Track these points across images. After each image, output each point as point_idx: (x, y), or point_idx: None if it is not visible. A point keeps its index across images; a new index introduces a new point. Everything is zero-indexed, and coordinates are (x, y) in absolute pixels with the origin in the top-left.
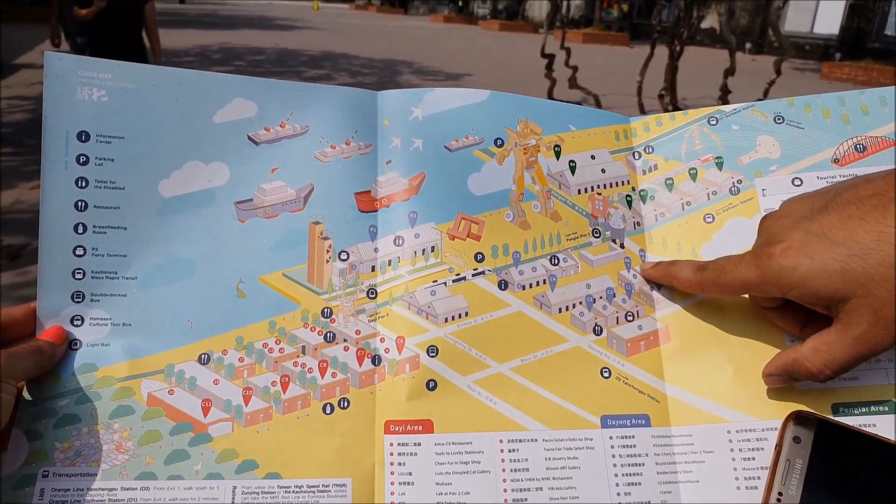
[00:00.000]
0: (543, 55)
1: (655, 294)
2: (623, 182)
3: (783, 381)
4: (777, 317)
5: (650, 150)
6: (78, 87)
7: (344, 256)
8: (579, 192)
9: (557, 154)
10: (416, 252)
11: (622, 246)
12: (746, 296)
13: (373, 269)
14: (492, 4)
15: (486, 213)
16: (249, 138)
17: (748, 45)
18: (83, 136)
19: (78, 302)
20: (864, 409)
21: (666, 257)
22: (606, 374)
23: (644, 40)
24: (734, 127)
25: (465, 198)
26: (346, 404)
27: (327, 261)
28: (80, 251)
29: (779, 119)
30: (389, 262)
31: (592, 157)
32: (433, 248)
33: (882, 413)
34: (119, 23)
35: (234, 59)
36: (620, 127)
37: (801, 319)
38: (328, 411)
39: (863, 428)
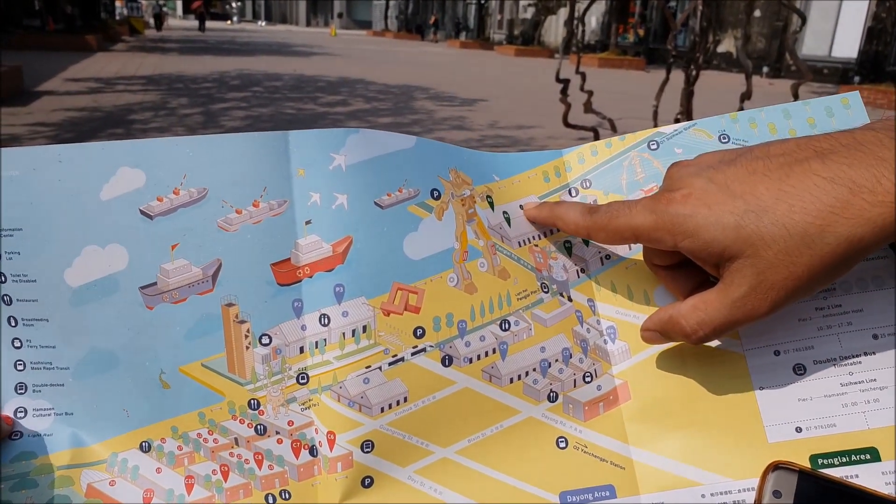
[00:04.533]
0: (558, 80)
1: (610, 347)
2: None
3: (659, 339)
4: (668, 278)
5: (587, 184)
6: None
7: (266, 340)
8: (519, 244)
9: (491, 205)
10: (343, 334)
11: (570, 299)
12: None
13: (301, 350)
14: (508, 30)
15: (427, 279)
16: (142, 212)
17: (765, 69)
18: None
19: (21, 393)
20: (844, 459)
21: (617, 306)
22: (563, 444)
23: (660, 65)
24: (677, 150)
25: (401, 264)
26: (287, 496)
27: (247, 347)
28: (17, 343)
29: (724, 138)
30: (316, 343)
31: (521, 206)
32: (364, 328)
33: (864, 462)
34: None
35: (252, 85)
36: (551, 165)
37: (692, 284)
38: (270, 501)
39: (846, 479)
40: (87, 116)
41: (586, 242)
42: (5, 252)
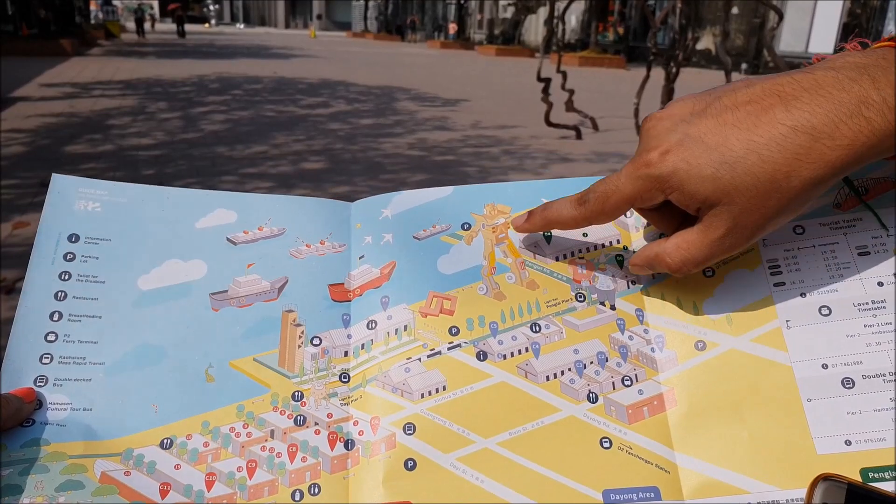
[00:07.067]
0: (540, 79)
1: (658, 355)
2: (613, 242)
3: (646, 272)
4: (654, 217)
5: None
6: (76, 200)
7: (316, 342)
8: (557, 258)
9: None
10: (388, 333)
11: (613, 308)
12: (754, 346)
13: (345, 353)
14: (488, 30)
15: (458, 288)
16: (228, 239)
17: (744, 66)
18: (73, 238)
19: (40, 386)
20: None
21: (667, 317)
22: (607, 445)
23: (640, 63)
24: None
25: (435, 278)
26: (316, 490)
27: (299, 346)
28: (51, 337)
29: None
30: (362, 345)
31: None
32: (406, 327)
33: None
34: None
35: (232, 88)
36: None
37: (676, 220)
38: (297, 498)
39: None
40: (63, 122)
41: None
42: (82, 256)
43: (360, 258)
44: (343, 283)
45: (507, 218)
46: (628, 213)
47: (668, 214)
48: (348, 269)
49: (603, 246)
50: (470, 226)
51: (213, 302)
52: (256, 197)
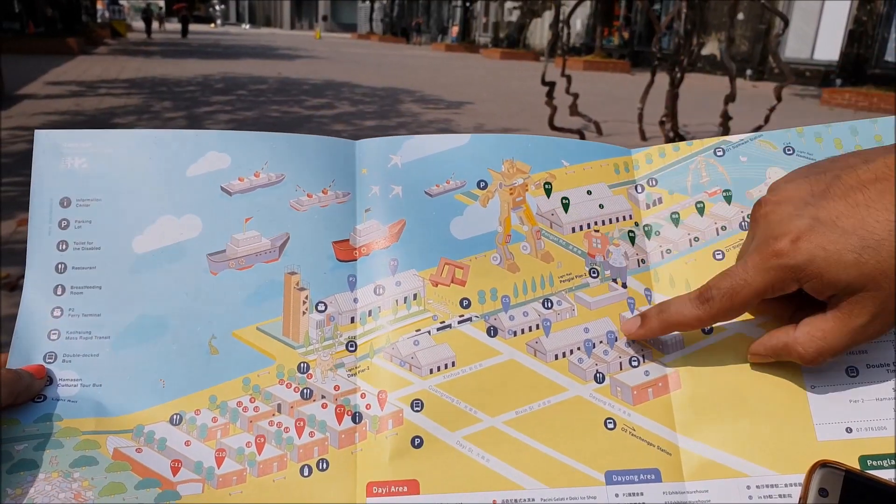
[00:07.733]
0: (544, 83)
1: (664, 337)
2: (625, 217)
3: (769, 360)
4: (766, 305)
5: (653, 182)
6: (62, 158)
7: (322, 308)
8: (573, 230)
9: (548, 192)
10: (397, 301)
11: (624, 286)
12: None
13: (352, 320)
14: (493, 33)
15: (471, 256)
16: (223, 189)
17: (749, 72)
18: (65, 202)
19: (49, 362)
20: (894, 462)
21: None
22: (611, 425)
23: (645, 67)
24: (742, 158)
25: (448, 242)
26: (325, 466)
27: (304, 312)
28: (57, 312)
29: (788, 150)
30: (370, 312)
31: (588, 192)
32: (415, 296)
33: None
34: None
35: (237, 88)
36: (621, 159)
37: (794, 304)
38: (306, 474)
39: (894, 482)
40: (68, 120)
41: (648, 236)
42: (75, 221)
43: (366, 211)
44: (348, 240)
45: (526, 178)
46: (639, 189)
47: (783, 300)
48: (353, 223)
49: (617, 220)
50: (486, 184)
51: (212, 264)
52: (251, 135)
